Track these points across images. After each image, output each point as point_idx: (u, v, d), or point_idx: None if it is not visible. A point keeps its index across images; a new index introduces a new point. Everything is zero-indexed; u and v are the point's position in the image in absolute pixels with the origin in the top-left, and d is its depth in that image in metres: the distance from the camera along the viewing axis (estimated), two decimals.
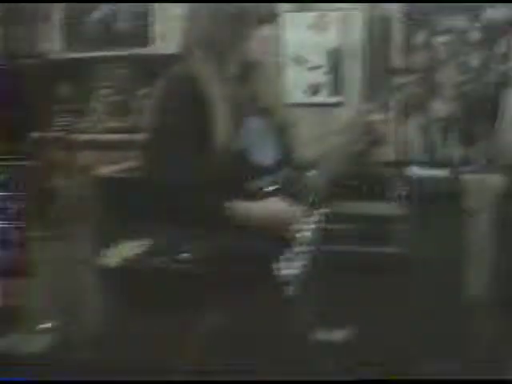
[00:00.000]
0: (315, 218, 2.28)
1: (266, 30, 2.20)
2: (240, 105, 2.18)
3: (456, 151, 3.91)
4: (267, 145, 2.24)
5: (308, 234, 2.24)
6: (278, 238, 2.17)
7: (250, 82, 2.26)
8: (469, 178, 3.78)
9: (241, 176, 2.14)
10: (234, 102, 2.14)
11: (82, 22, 4.43)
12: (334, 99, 4.00)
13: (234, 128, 2.11)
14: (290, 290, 2.17)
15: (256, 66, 2.26)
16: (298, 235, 2.21)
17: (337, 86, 3.98)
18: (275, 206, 2.16)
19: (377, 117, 2.33)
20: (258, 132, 2.21)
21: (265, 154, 2.20)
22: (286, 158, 2.29)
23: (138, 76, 4.32)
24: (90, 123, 4.47)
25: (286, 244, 2.19)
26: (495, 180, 3.75)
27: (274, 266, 2.15)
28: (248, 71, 2.25)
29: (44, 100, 4.44)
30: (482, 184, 3.80)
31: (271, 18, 2.21)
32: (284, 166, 2.26)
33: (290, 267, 2.18)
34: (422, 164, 3.74)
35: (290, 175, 2.27)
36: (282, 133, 2.30)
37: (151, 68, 4.17)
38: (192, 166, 2.06)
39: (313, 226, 2.27)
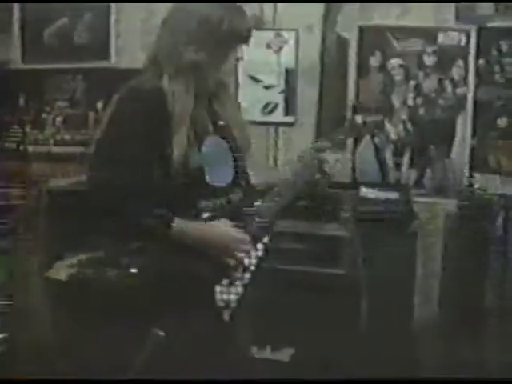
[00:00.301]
0: (262, 245, 2.26)
1: (240, 51, 2.20)
2: (203, 123, 2.16)
3: (408, 174, 3.93)
4: (223, 166, 2.23)
5: (254, 260, 2.23)
6: (222, 261, 2.15)
7: (216, 101, 2.25)
8: (420, 200, 3.81)
9: (192, 194, 2.12)
10: (196, 119, 2.13)
11: (41, 33, 4.40)
12: (288, 118, 4.01)
13: (193, 145, 2.10)
14: (227, 315, 2.16)
15: (224, 85, 2.27)
16: (243, 261, 2.19)
17: (291, 105, 3.99)
18: (223, 230, 2.14)
19: (331, 156, 2.37)
20: (216, 152, 2.19)
21: (219, 175, 2.19)
22: (240, 182, 2.27)
23: (96, 89, 4.30)
24: (46, 135, 4.44)
25: (229, 268, 2.17)
26: (446, 203, 3.78)
27: (215, 288, 2.14)
28: (216, 90, 2.24)
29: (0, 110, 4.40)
30: (434, 207, 3.83)
31: (247, 39, 2.20)
32: (236, 190, 2.25)
33: (230, 292, 2.17)
34: (373, 186, 3.74)
35: (241, 199, 2.25)
36: (238, 156, 2.28)
37: (109, 81, 4.16)
38: (143, 177, 2.04)
39: (259, 253, 2.25)
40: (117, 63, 4.25)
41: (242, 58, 2.22)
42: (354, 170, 3.93)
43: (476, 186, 3.70)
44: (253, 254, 2.22)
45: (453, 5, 3.81)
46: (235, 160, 2.26)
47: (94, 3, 4.26)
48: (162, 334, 2.09)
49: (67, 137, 4.39)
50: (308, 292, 3.34)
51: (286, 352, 3.44)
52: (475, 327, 3.46)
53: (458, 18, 3.82)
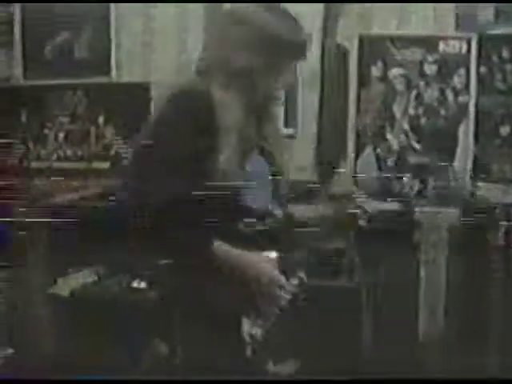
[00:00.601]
0: (297, 280, 2.15)
1: (296, 66, 2.10)
2: (250, 141, 2.04)
3: (410, 184, 3.89)
4: (263, 190, 2.10)
5: (287, 297, 2.07)
6: (253, 296, 2.02)
7: (265, 118, 2.14)
8: (423, 210, 3.77)
9: (229, 216, 1.99)
10: (244, 136, 2.00)
11: (42, 49, 4.41)
12: (288, 131, 3.95)
13: (238, 163, 1.98)
14: (250, 350, 2.03)
15: (276, 100, 2.16)
16: (275, 302, 2.05)
17: (292, 117, 3.96)
18: (261, 266, 2.01)
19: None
20: (258, 174, 2.07)
21: (258, 198, 2.06)
22: (278, 209, 2.16)
23: (97, 104, 4.31)
24: (49, 151, 4.45)
25: (259, 305, 2.04)
26: (449, 213, 3.74)
27: (242, 320, 2.02)
28: (267, 105, 2.13)
29: (2, 126, 4.41)
30: (436, 217, 3.79)
31: (303, 54, 2.09)
32: (274, 216, 2.13)
33: (257, 325, 2.04)
34: (375, 197, 3.71)
35: (279, 226, 2.13)
36: (277, 181, 2.17)
37: (110, 96, 4.18)
38: (184, 190, 1.88)
39: (293, 290, 2.11)
40: (117, 78, 4.24)
41: (297, 76, 2.14)
42: (355, 180, 3.90)
43: (479, 194, 3.67)
44: (287, 289, 2.07)
45: (453, 13, 3.79)
46: (275, 185, 2.16)
47: (93, 18, 4.28)
48: (163, 346, 2.05)
49: (69, 152, 4.40)
50: (309, 305, 3.31)
51: (289, 365, 3.41)
52: (480, 338, 3.43)
53: (458, 25, 3.80)
